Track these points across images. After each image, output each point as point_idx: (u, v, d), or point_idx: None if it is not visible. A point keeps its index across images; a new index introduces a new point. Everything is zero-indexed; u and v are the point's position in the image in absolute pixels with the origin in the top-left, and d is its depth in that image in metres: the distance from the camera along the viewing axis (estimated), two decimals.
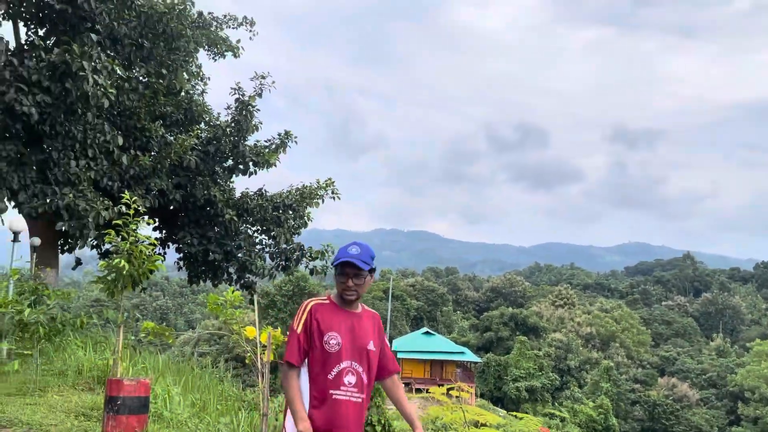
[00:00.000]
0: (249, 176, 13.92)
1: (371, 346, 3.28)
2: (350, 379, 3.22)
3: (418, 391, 47.47)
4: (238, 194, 14.25)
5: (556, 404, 55.98)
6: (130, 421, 5.37)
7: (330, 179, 14.45)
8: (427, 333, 54.04)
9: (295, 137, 14.21)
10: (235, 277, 14.31)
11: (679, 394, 64.49)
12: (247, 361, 5.02)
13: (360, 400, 3.23)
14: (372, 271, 3.42)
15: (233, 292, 5.12)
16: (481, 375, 55.74)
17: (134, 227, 5.92)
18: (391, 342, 55.16)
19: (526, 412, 56.75)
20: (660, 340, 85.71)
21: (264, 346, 4.82)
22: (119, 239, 5.87)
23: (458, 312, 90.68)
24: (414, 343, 51.54)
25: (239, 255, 13.67)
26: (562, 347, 68.24)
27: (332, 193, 14.03)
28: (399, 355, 48.36)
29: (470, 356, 52.33)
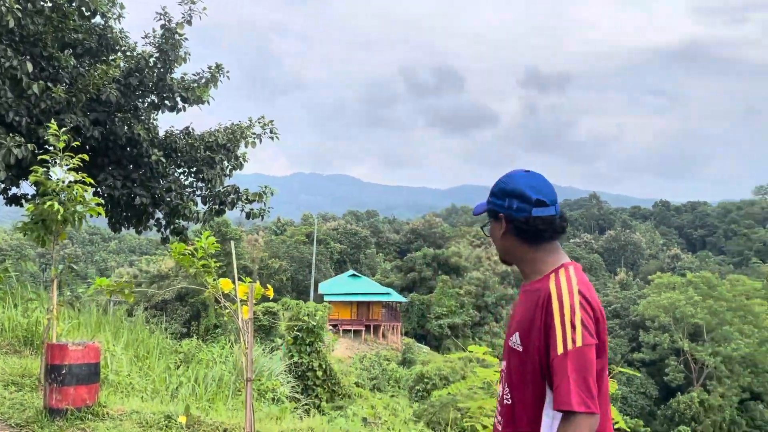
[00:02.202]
0: (177, 113, 12.72)
1: (513, 341, 2.28)
2: (500, 388, 2.41)
3: (346, 332, 47.96)
4: (162, 133, 13.07)
5: (476, 339, 58.36)
6: (79, 392, 4.63)
7: (263, 117, 13.50)
8: (353, 275, 54.30)
9: (227, 71, 13.06)
10: (164, 222, 13.26)
11: None
12: (224, 320, 4.39)
13: (500, 427, 2.34)
14: (497, 214, 2.39)
15: (207, 237, 4.42)
16: (405, 314, 56.98)
17: (66, 163, 5.03)
18: (316, 285, 55.03)
19: (449, 348, 59.15)
20: None
21: (243, 301, 4.20)
22: (50, 179, 4.96)
23: (380, 254, 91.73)
24: (341, 285, 51.69)
25: (168, 199, 12.60)
26: (481, 285, 70.80)
27: (271, 132, 13.09)
28: (326, 298, 48.42)
29: (396, 297, 53.22)
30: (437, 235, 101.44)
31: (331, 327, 41.72)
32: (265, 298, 4.53)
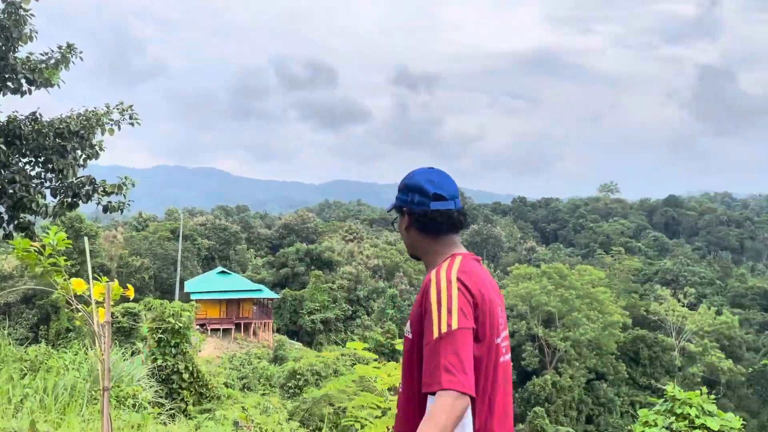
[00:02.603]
0: (22, 96, 11.45)
1: (406, 330, 2.36)
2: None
3: (215, 331, 46.33)
4: (3, 118, 11.73)
5: (348, 333, 58.93)
6: None
7: (122, 102, 12.54)
8: (223, 272, 52.55)
9: (81, 52, 11.97)
10: (6, 217, 11.92)
11: None
12: (77, 323, 3.97)
13: (399, 391, 2.40)
14: (401, 209, 2.47)
15: (56, 232, 3.95)
16: (277, 311, 56.16)
17: None
18: (182, 284, 52.65)
19: (321, 343, 59.06)
20: None
21: (100, 303, 3.81)
22: None
23: (251, 250, 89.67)
24: (209, 283, 49.81)
25: (11, 191, 11.34)
26: (353, 279, 71.56)
27: (131, 118, 12.17)
28: (192, 297, 46.44)
29: (268, 293, 52.28)
30: (310, 230, 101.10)
31: (198, 327, 40.09)
32: (125, 299, 4.18)
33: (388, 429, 4.88)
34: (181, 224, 60.57)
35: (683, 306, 65.96)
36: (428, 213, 2.38)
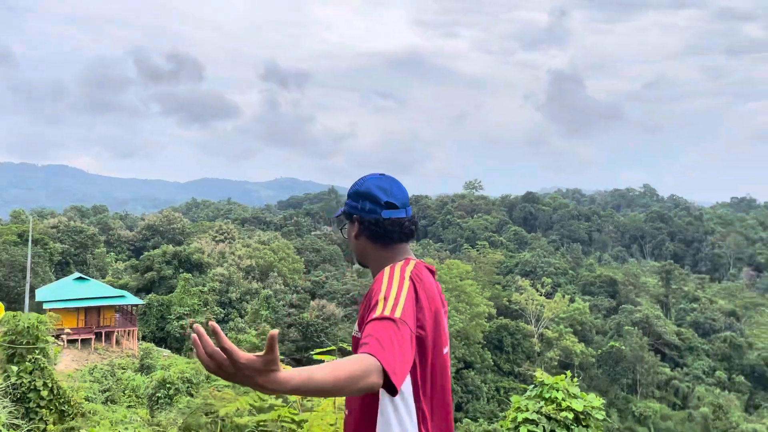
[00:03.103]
0: None
1: (354, 330, 2.31)
2: None
3: (72, 342, 42.86)
4: None
5: None
6: None
7: None
8: (80, 279, 48.72)
9: None
10: None
11: (327, 314, 72.08)
12: None
13: (345, 413, 2.30)
14: (351, 216, 2.40)
15: None
16: (143, 317, 53.12)
17: None
18: (33, 292, 48.20)
19: (191, 349, 56.59)
20: (311, 267, 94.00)
21: None
22: None
23: (111, 253, 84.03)
24: (64, 290, 45.98)
25: None
26: (225, 281, 69.41)
27: None
28: (45, 306, 42.63)
29: (131, 299, 49.27)
30: (177, 230, 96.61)
31: (53, 338, 36.86)
32: None
33: None
34: (30, 227, 55.35)
35: (541, 295, 71.12)
36: (379, 221, 2.33)
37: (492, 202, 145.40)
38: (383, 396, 2.12)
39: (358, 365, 1.78)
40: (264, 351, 1.64)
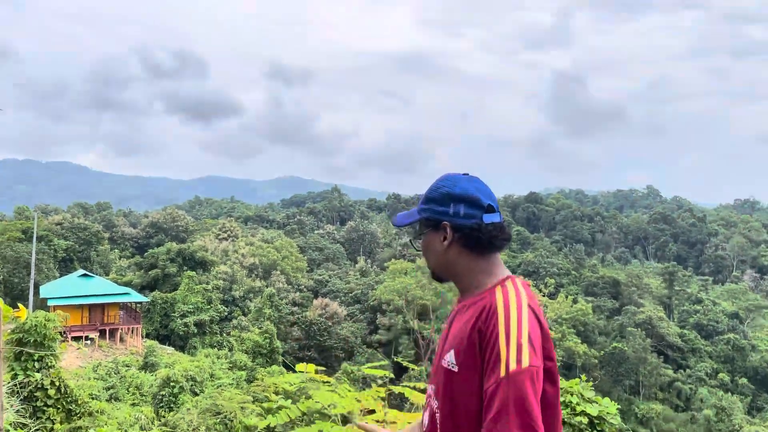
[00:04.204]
0: None
1: (447, 361, 2.02)
2: (425, 418, 2.12)
3: (77, 339, 42.94)
4: None
5: (224, 334, 57.17)
6: None
7: None
8: (85, 275, 48.81)
9: None
10: None
11: (330, 312, 72.11)
12: None
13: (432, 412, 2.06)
14: (435, 221, 2.09)
15: None
16: (147, 315, 53.18)
17: None
18: (37, 289, 48.31)
19: (195, 347, 56.76)
20: (314, 265, 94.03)
21: None
22: None
23: (115, 250, 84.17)
24: (69, 287, 46.07)
25: None
26: (228, 279, 69.45)
27: None
28: (50, 302, 42.72)
29: (136, 296, 49.36)
30: (180, 228, 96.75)
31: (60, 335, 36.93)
32: None
33: None
34: (35, 223, 55.41)
35: (544, 296, 71.00)
36: (482, 227, 2.04)
37: None
38: None
39: None
40: None
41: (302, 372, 4.90)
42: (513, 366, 1.84)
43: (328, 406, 4.30)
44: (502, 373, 1.84)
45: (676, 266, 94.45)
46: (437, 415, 2.04)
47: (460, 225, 2.06)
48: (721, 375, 64.92)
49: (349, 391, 4.58)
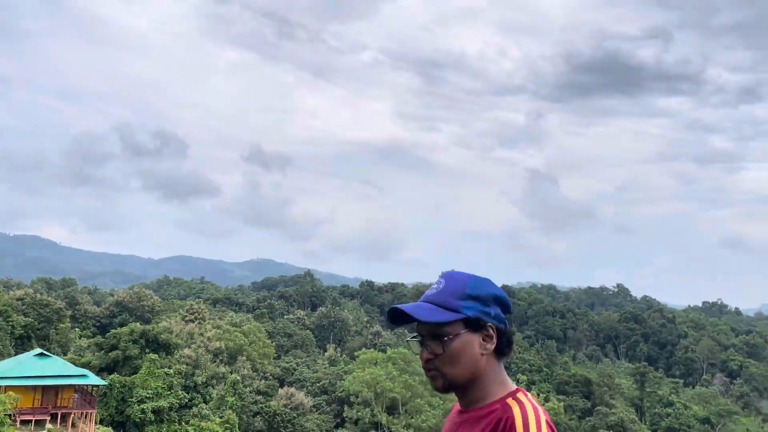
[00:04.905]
0: None
1: None
2: None
3: (25, 423, 40.51)
4: None
5: (183, 423, 54.49)
6: None
7: None
8: (41, 355, 46.76)
9: None
10: None
11: (296, 402, 69.59)
12: None
13: None
14: (479, 322, 1.88)
15: None
16: (103, 399, 50.67)
17: None
18: None
19: None
20: (282, 352, 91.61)
21: None
22: None
23: (76, 329, 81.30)
24: (22, 367, 43.96)
25: None
26: (191, 363, 67.07)
27: None
28: (1, 382, 40.58)
29: (93, 379, 47.22)
30: (146, 308, 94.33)
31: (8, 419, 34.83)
32: None
33: None
34: None
35: None
36: (507, 332, 1.89)
37: None
38: None
39: None
40: None
41: None
42: None
43: None
44: None
45: (647, 367, 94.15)
46: None
47: (498, 328, 1.90)
48: None
49: None
